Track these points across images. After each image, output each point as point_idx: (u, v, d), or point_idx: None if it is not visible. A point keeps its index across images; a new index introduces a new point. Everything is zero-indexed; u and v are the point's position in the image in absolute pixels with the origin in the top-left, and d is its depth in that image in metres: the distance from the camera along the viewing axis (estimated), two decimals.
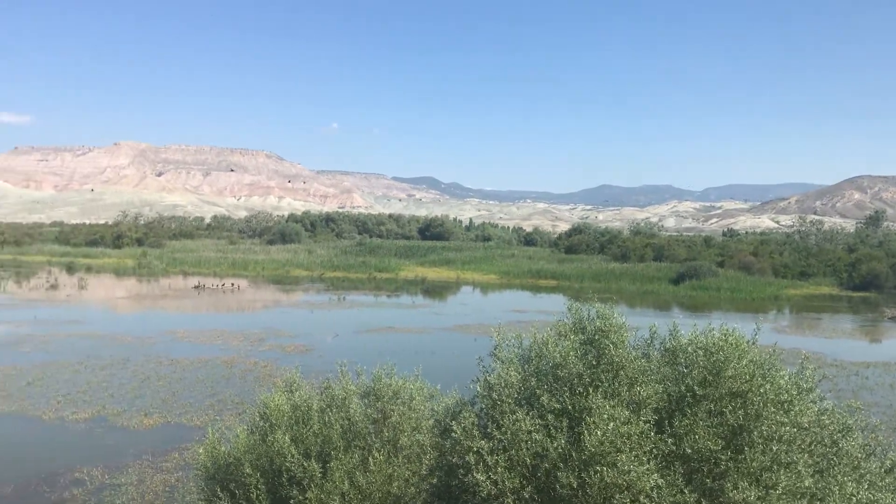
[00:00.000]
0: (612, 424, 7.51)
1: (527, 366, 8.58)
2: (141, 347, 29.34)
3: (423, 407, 10.72)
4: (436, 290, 61.38)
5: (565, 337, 8.77)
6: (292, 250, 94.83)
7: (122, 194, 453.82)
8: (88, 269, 73.65)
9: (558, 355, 8.15)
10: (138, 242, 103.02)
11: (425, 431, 10.24)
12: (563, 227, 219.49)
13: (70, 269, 72.58)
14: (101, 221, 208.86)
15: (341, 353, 28.52)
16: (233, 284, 59.47)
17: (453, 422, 8.20)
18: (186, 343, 30.99)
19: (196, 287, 56.63)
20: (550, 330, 8.99)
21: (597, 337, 8.52)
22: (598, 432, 7.44)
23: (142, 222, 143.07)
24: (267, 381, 23.21)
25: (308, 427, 10.38)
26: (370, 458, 9.48)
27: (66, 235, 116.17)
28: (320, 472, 9.57)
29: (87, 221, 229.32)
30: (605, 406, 7.68)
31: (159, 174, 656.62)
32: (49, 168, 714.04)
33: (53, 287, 53.23)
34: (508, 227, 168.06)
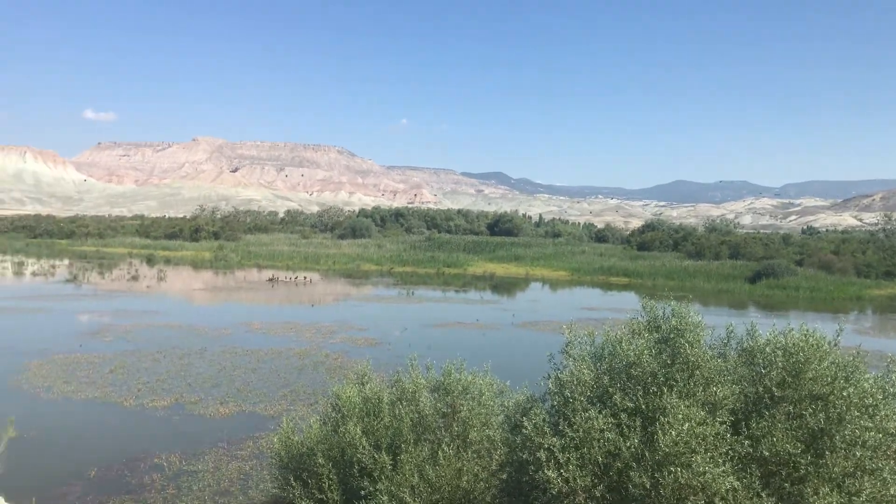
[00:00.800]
0: (686, 425, 7.37)
1: (599, 364, 8.49)
2: (217, 338, 30.14)
3: (492, 402, 10.73)
4: (504, 287, 61.26)
5: (639, 335, 8.65)
6: (362, 245, 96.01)
7: (200, 189, 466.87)
8: (167, 261, 76.06)
9: (632, 353, 8.03)
10: (215, 236, 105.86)
11: (495, 427, 10.24)
12: (636, 223, 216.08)
13: (150, 261, 75.10)
14: (180, 215, 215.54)
15: (410, 346, 28.75)
16: (305, 278, 60.54)
17: (524, 418, 8.18)
18: (260, 334, 31.69)
19: (270, 280, 57.86)
20: (624, 328, 8.88)
21: (672, 336, 8.38)
22: (673, 432, 7.31)
23: (218, 216, 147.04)
24: (338, 372, 23.56)
25: (379, 419, 10.51)
26: (440, 452, 9.53)
27: (146, 228, 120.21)
28: (391, 465, 9.67)
29: (166, 215, 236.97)
30: (679, 406, 7.54)
31: (235, 169, 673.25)
32: (130, 163, 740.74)
33: (134, 278, 55.14)
34: (579, 224, 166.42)
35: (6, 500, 9.15)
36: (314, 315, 38.75)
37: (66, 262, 70.09)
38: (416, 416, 10.47)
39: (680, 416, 7.45)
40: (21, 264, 63.44)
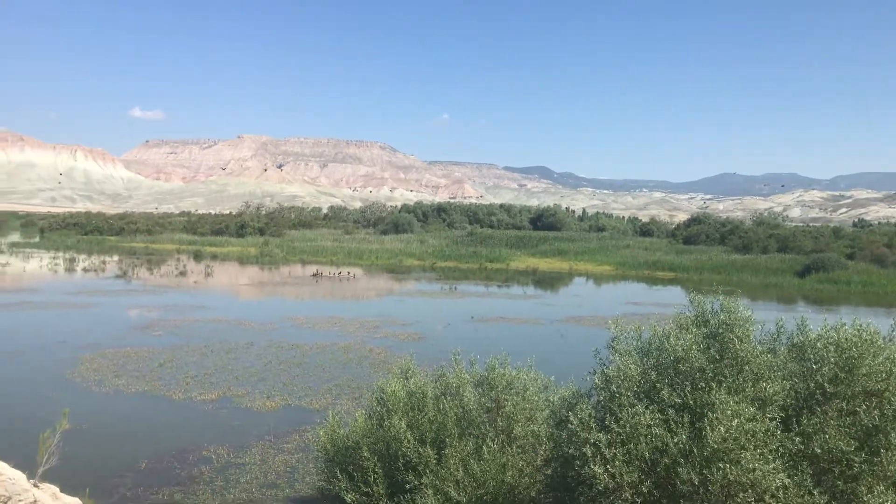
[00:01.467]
0: (736, 421, 7.26)
1: (646, 359, 8.41)
2: (263, 332, 30.53)
3: (536, 397, 10.69)
4: (547, 281, 60.96)
5: (687, 330, 8.54)
6: (405, 240, 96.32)
7: (245, 185, 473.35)
8: (214, 256, 77.25)
9: (680, 349, 7.93)
10: (260, 232, 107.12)
11: (540, 422, 10.20)
12: (682, 216, 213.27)
13: (197, 256, 76.36)
14: (226, 211, 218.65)
15: (453, 341, 28.75)
16: (349, 273, 61.00)
17: (570, 413, 8.13)
18: (305, 329, 32.02)
19: (314, 275, 58.42)
20: (671, 323, 8.77)
21: (721, 330, 8.25)
22: (722, 428, 7.22)
23: (263, 212, 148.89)
24: (382, 367, 23.69)
25: (423, 414, 10.54)
26: (484, 447, 9.53)
27: (193, 225, 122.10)
28: (435, 459, 9.70)
29: (213, 211, 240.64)
30: (728, 402, 7.44)
31: (279, 166, 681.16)
32: (177, 161, 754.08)
33: (182, 274, 56.11)
34: (623, 218, 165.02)
35: (61, 492, 9.39)
36: (358, 310, 39.03)
37: (116, 258, 71.61)
38: (461, 410, 10.49)
39: (729, 412, 7.34)
40: (73, 261, 65.00)
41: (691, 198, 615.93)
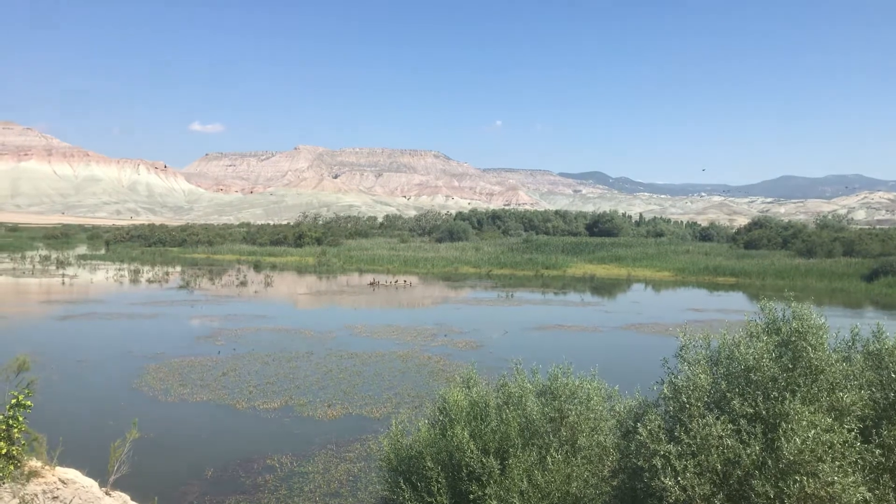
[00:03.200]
0: (812, 432, 7.02)
1: (715, 368, 8.19)
2: (322, 341, 30.83)
3: (601, 407, 10.50)
4: (605, 288, 60.26)
5: (757, 338, 8.29)
6: (460, 248, 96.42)
7: (302, 196, 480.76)
8: (273, 266, 78.47)
9: (751, 357, 7.70)
10: (317, 241, 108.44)
11: (605, 432, 10.02)
12: (742, 221, 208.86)
13: (257, 266, 77.68)
14: (284, 222, 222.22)
15: (511, 350, 28.63)
16: (405, 281, 61.29)
17: (638, 424, 7.96)
18: (364, 337, 32.23)
19: (371, 284, 58.84)
20: (741, 330, 8.52)
21: (793, 338, 7.99)
22: (797, 440, 6.98)
23: (320, 222, 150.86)
24: (440, 375, 23.69)
25: (486, 423, 10.44)
26: (548, 457, 9.39)
27: (252, 235, 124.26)
28: (499, 469, 9.60)
29: (271, 222, 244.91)
30: (803, 412, 7.19)
31: (335, 176, 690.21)
32: (236, 173, 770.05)
33: (242, 284, 57.12)
34: (682, 222, 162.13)
35: (132, 500, 9.57)
36: (415, 318, 39.14)
37: (179, 269, 73.29)
38: (524, 420, 10.36)
39: (804, 422, 7.10)
40: (137, 272, 66.74)
41: (751, 201, 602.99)
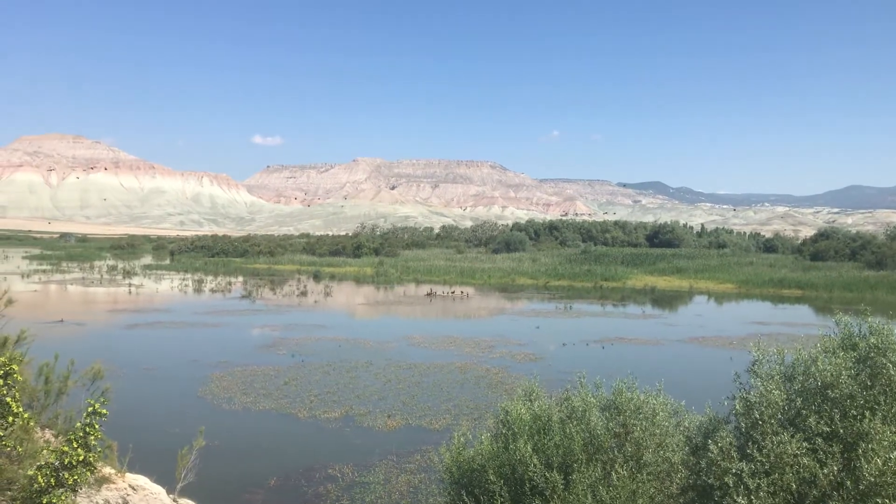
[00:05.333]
0: (894, 452, 6.72)
1: (790, 384, 7.93)
2: (381, 351, 31.01)
3: (667, 423, 10.27)
4: (666, 300, 59.25)
5: (833, 353, 8.00)
6: (517, 259, 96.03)
7: (360, 207, 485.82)
8: (332, 277, 79.37)
9: (829, 374, 7.43)
10: (375, 252, 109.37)
11: (671, 448, 9.80)
12: (807, 231, 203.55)
13: (316, 277, 78.68)
14: (342, 233, 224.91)
15: (570, 362, 28.34)
16: (462, 292, 61.30)
17: (708, 440, 7.76)
18: (422, 348, 32.30)
19: (428, 294, 59.02)
20: (816, 345, 8.24)
21: (871, 354, 7.69)
22: (878, 460, 6.70)
23: (378, 233, 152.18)
24: (500, 387, 23.57)
25: (549, 437, 10.31)
26: (613, 473, 9.22)
27: (312, 246, 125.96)
28: (563, 484, 9.46)
29: (330, 233, 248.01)
30: (885, 432, 6.90)
31: (392, 187, 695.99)
32: (296, 185, 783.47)
33: (303, 294, 57.88)
34: (744, 233, 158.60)
35: None
36: (472, 329, 39.07)
37: (241, 279, 74.69)
38: (588, 435, 10.20)
39: (886, 442, 6.81)
40: (201, 282, 68.23)
41: (817, 212, 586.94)
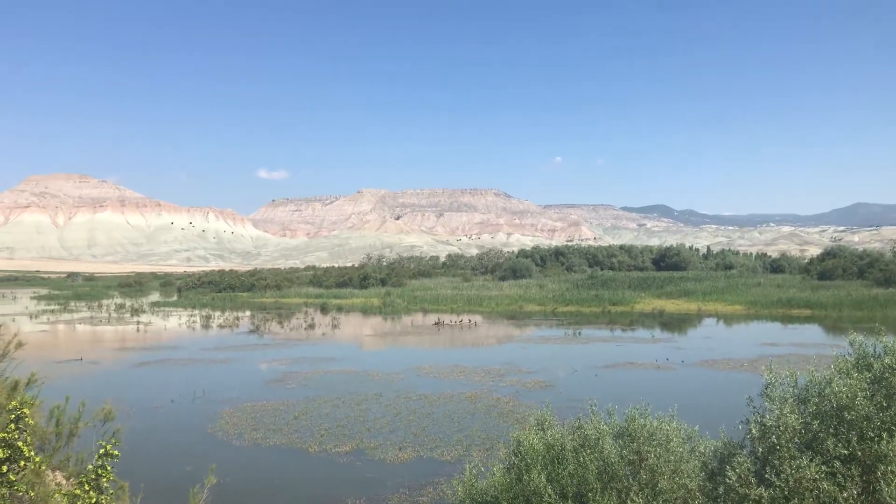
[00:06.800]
0: None
1: (804, 406, 7.86)
2: (390, 383, 30.87)
3: (681, 448, 10.17)
4: (675, 323, 58.99)
5: (848, 374, 7.95)
6: (524, 285, 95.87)
7: (365, 238, 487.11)
8: (339, 308, 79.32)
9: (844, 396, 7.37)
10: (382, 283, 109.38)
11: (687, 475, 9.69)
12: (813, 251, 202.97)
13: (324, 309, 78.64)
14: (348, 264, 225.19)
15: (581, 389, 28.15)
16: (469, 320, 61.16)
17: (726, 466, 7.68)
18: (431, 378, 32.15)
19: (436, 324, 58.89)
20: (830, 367, 8.18)
21: (887, 375, 7.63)
22: None
23: (384, 263, 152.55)
24: (511, 416, 23.40)
25: (563, 467, 10.22)
26: (628, 501, 9.13)
27: (318, 278, 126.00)
28: None
29: (336, 264, 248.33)
30: None
31: (397, 217, 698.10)
32: (301, 217, 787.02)
33: (311, 327, 57.82)
34: (751, 254, 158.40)
35: None
36: (481, 358, 38.92)
37: (248, 313, 74.70)
38: (602, 463, 10.11)
39: None
40: (208, 318, 68.23)
41: (822, 230, 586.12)
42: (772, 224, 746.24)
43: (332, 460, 18.84)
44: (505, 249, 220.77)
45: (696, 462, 9.57)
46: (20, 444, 7.09)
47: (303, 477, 17.64)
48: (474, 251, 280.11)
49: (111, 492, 7.38)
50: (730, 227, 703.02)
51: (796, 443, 7.48)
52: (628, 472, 9.89)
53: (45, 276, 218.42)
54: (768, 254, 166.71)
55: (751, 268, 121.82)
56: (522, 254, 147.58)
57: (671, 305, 71.59)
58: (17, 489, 7.06)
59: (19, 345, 9.10)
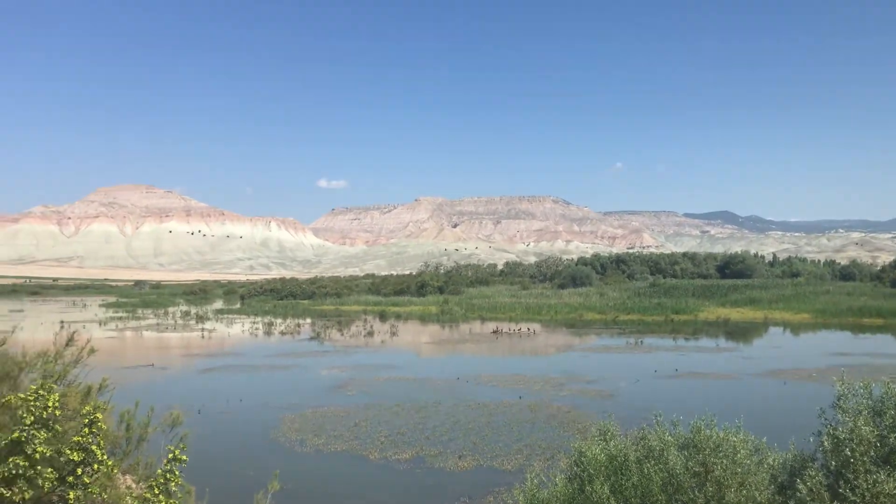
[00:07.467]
0: None
1: (879, 419, 7.57)
2: (449, 391, 30.88)
3: (748, 461, 9.91)
4: (740, 332, 57.66)
5: None
6: (583, 294, 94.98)
7: (423, 246, 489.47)
8: (398, 316, 79.80)
9: None
10: (439, 290, 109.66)
11: (755, 487, 9.44)
12: (885, 258, 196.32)
13: (382, 316, 79.23)
14: (406, 272, 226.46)
15: (643, 399, 27.72)
16: (528, 329, 60.84)
17: (797, 479, 7.45)
18: (490, 387, 32.05)
19: (494, 332, 58.75)
20: None
21: None
22: None
23: (442, 271, 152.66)
24: (571, 426, 23.16)
25: (627, 478, 10.06)
26: None
27: (377, 286, 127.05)
28: None
29: (394, 272, 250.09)
30: None
31: (454, 225, 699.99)
32: (360, 226, 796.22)
33: (370, 334, 58.30)
34: (819, 261, 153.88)
35: None
36: (540, 366, 38.65)
37: (309, 321, 75.70)
38: (666, 475, 9.92)
39: None
40: (270, 325, 69.36)
41: (894, 237, 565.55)
42: (840, 230, 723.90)
43: (393, 468, 18.92)
44: (564, 257, 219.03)
45: (765, 475, 9.31)
46: (94, 447, 7.30)
47: (364, 484, 17.75)
48: (532, 259, 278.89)
49: (179, 496, 7.55)
50: (796, 234, 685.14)
51: (872, 456, 7.20)
52: (694, 485, 9.67)
53: (114, 284, 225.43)
54: (837, 261, 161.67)
55: (819, 275, 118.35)
56: (582, 261, 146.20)
57: (736, 314, 70.01)
58: (90, 491, 7.27)
59: (92, 351, 9.39)
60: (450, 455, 19.87)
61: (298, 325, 68.70)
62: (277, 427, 23.95)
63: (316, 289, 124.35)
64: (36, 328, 59.50)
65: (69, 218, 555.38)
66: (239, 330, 65.31)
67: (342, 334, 59.30)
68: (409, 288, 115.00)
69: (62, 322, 66.38)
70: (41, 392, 7.46)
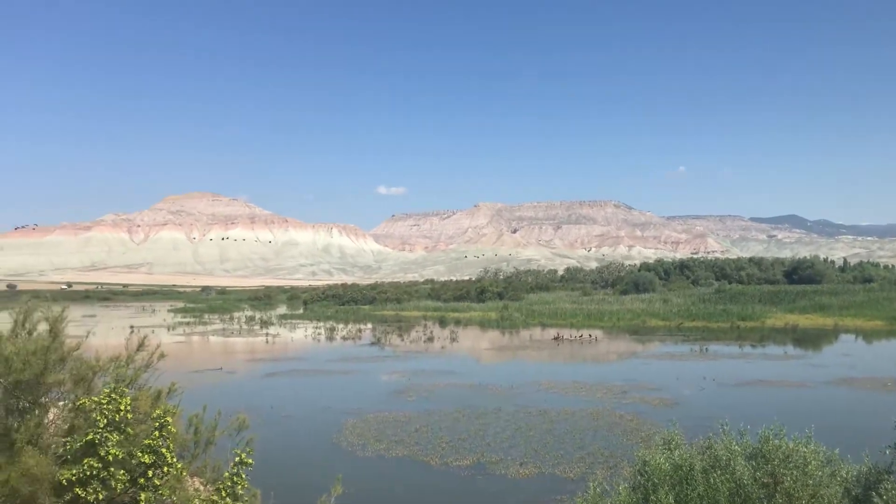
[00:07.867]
0: None
1: None
2: (510, 397, 30.77)
3: (820, 472, 9.62)
4: (809, 340, 56.02)
5: None
6: (646, 300, 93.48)
7: (482, 251, 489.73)
8: (457, 322, 79.88)
9: None
10: (499, 296, 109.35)
11: (826, 500, 9.16)
12: None
13: (442, 322, 79.42)
14: (465, 277, 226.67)
15: (708, 407, 27.16)
16: (590, 335, 60.19)
17: (871, 492, 7.20)
18: (551, 394, 31.83)
19: (555, 338, 58.30)
20: None
21: None
22: None
23: (501, 277, 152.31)
24: (634, 435, 22.83)
25: (692, 488, 9.87)
26: None
27: (436, 292, 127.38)
28: None
29: (453, 278, 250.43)
30: None
31: (514, 231, 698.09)
32: (420, 232, 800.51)
33: (429, 340, 58.52)
34: (892, 266, 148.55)
35: None
36: (602, 374, 38.21)
37: (370, 326, 76.42)
38: (733, 485, 9.70)
39: None
40: (332, 330, 70.28)
41: None
42: None
43: (454, 474, 18.94)
44: (626, 262, 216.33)
45: (838, 487, 9.03)
46: (164, 450, 7.51)
47: (425, 490, 17.82)
48: (593, 264, 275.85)
49: (245, 499, 7.70)
50: (868, 238, 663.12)
51: None
52: (762, 496, 9.45)
53: (181, 289, 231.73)
54: None
55: (892, 281, 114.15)
56: (645, 267, 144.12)
57: (805, 320, 68.02)
58: (160, 493, 7.48)
59: (161, 356, 9.65)
60: (511, 462, 19.79)
61: (359, 331, 69.42)
62: (340, 431, 24.22)
63: (376, 294, 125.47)
64: (108, 333, 61.55)
65: (139, 226, 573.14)
66: (302, 335, 66.31)
67: (402, 339, 59.66)
68: (468, 294, 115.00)
69: (132, 327, 68.46)
70: (114, 396, 7.71)
